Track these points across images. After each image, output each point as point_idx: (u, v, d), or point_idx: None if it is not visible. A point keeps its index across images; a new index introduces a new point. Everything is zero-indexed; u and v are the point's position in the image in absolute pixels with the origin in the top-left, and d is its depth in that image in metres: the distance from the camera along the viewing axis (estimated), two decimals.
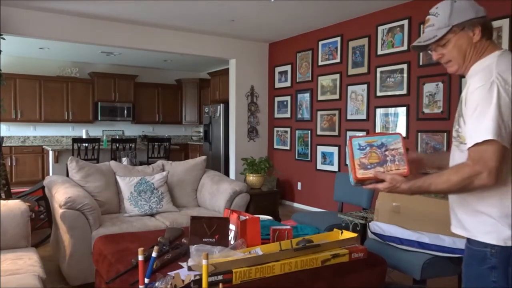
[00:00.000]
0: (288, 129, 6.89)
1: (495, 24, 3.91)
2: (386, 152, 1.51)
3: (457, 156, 1.48)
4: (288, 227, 2.45)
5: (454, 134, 1.50)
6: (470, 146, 1.33)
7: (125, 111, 9.33)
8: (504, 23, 3.96)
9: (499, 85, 1.30)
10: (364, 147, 1.52)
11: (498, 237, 1.36)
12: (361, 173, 1.49)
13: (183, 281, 1.74)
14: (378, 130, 5.26)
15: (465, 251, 1.52)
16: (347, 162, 1.57)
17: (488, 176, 1.29)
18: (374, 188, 1.51)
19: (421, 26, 4.71)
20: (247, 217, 2.31)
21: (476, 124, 1.31)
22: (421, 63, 4.74)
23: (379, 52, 5.25)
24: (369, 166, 1.49)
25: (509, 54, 1.40)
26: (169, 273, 1.86)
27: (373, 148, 1.51)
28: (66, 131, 9.02)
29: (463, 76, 1.54)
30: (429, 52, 1.54)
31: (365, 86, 5.44)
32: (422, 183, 1.42)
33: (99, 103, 8.99)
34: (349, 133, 5.69)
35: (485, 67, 1.37)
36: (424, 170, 1.70)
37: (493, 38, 1.49)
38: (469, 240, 1.48)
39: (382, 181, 1.47)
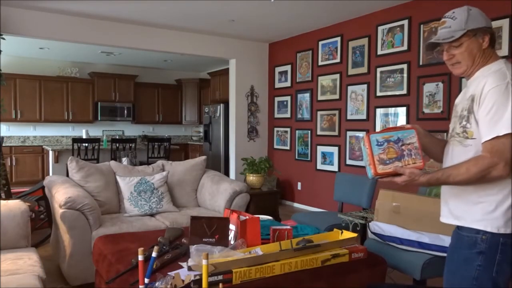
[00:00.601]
0: (288, 129, 6.89)
1: (495, 24, 3.90)
2: (403, 147, 1.60)
3: (458, 151, 1.56)
4: (288, 227, 2.45)
5: (458, 130, 1.57)
6: (488, 140, 1.42)
7: (125, 111, 9.32)
8: (504, 23, 3.96)
9: None
10: (381, 143, 1.60)
11: (492, 224, 1.45)
12: (381, 169, 1.59)
13: (183, 281, 1.74)
14: (378, 130, 5.25)
15: (453, 237, 1.60)
16: (365, 157, 1.64)
17: (504, 167, 1.40)
18: (391, 182, 1.59)
19: (421, 26, 4.71)
20: (247, 217, 2.31)
21: (494, 119, 1.41)
22: (421, 63, 4.73)
23: (379, 52, 5.24)
24: (387, 162, 1.59)
25: (510, 63, 1.55)
26: (169, 273, 1.86)
27: (390, 144, 1.60)
28: (66, 131, 9.02)
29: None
30: (443, 51, 1.64)
31: (365, 86, 5.44)
32: (441, 175, 1.51)
33: (99, 103, 8.99)
34: (349, 133, 5.68)
35: (496, 71, 1.50)
36: None
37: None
38: (459, 227, 1.56)
39: (399, 174, 1.56)
